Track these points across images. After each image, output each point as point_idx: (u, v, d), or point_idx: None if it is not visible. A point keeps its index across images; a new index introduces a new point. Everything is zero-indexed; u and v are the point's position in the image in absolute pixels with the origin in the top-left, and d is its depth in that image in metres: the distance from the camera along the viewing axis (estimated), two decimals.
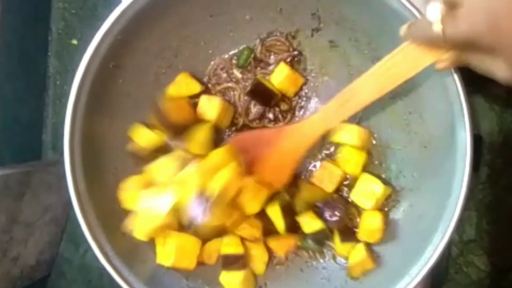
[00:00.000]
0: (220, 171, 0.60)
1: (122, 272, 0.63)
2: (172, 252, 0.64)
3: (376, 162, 0.71)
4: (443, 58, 0.53)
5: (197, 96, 0.70)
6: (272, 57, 0.71)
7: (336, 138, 0.67)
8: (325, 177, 0.69)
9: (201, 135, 0.66)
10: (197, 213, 0.59)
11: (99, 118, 0.65)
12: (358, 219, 0.70)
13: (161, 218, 0.61)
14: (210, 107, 0.68)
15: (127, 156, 0.68)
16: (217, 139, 0.70)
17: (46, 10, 0.86)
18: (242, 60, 0.71)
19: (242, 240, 0.68)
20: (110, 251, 0.63)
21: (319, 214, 0.68)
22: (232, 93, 0.72)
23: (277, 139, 0.65)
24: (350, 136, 0.67)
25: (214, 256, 0.68)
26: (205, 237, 0.66)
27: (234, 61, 0.72)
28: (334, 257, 0.70)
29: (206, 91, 0.72)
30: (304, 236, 0.69)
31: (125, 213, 0.68)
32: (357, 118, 0.69)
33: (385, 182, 0.68)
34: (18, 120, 0.82)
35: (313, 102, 0.72)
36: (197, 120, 0.68)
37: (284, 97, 0.71)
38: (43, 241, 0.82)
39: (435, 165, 0.63)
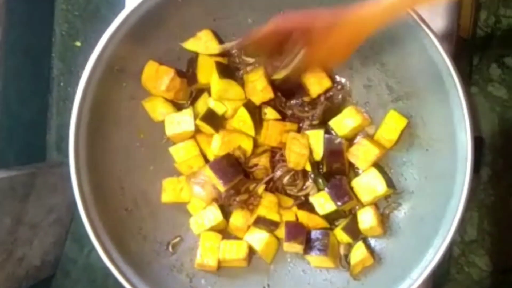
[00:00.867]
0: None
1: (126, 273, 0.64)
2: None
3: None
4: None
5: None
6: None
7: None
8: (360, 153, 0.68)
9: None
10: None
11: (104, 121, 0.66)
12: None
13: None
14: None
15: (130, 158, 0.69)
16: None
17: (50, 12, 0.86)
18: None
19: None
20: (114, 252, 0.64)
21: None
22: None
23: (336, 24, 0.56)
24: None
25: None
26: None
27: None
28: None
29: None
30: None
31: (129, 214, 0.68)
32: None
33: (389, 183, 0.68)
34: (22, 121, 0.83)
35: None
36: None
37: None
38: (48, 241, 0.83)
39: (436, 168, 0.64)
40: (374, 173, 0.67)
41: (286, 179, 0.70)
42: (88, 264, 0.87)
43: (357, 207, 0.70)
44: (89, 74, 0.61)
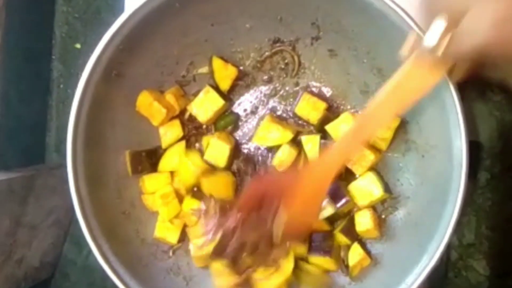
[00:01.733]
0: None
1: (123, 276, 0.64)
2: None
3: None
4: (454, 71, 0.51)
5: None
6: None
7: None
8: (356, 158, 0.68)
9: None
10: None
11: (101, 124, 0.66)
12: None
13: None
14: None
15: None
16: None
17: (50, 14, 0.86)
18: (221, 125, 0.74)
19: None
20: (111, 255, 0.64)
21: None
22: None
23: (301, 178, 0.61)
24: None
25: None
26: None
27: None
28: None
29: None
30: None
31: (127, 217, 0.69)
32: None
33: (385, 188, 0.68)
34: (22, 123, 0.83)
35: None
36: None
37: None
38: (47, 243, 0.83)
39: (432, 174, 0.64)
40: (371, 177, 0.68)
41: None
42: (86, 266, 0.87)
43: (355, 209, 0.70)
44: (87, 79, 0.61)
